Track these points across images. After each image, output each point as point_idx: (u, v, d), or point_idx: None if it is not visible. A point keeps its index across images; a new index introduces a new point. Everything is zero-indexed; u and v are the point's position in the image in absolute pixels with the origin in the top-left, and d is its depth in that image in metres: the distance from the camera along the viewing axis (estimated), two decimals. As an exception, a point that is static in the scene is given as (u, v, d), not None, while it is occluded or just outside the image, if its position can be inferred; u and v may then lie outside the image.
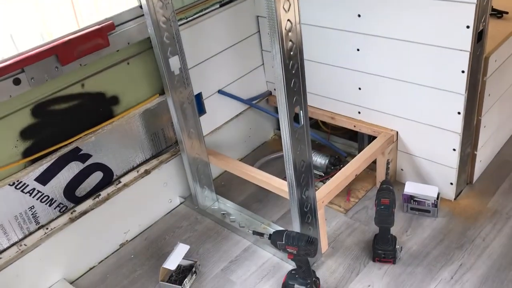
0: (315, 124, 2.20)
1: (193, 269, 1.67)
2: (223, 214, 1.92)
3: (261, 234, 1.58)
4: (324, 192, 1.64)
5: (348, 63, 1.82)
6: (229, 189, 2.07)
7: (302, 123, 1.35)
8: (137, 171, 1.83)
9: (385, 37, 1.66)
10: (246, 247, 1.79)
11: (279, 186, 1.69)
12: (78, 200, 1.71)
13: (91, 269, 1.78)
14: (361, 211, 1.86)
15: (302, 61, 1.27)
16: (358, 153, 1.89)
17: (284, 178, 1.57)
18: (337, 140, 2.22)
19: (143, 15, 1.59)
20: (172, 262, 1.62)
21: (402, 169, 1.92)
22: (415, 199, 1.74)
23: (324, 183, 1.87)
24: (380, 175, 1.92)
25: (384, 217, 1.54)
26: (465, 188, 1.87)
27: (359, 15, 1.69)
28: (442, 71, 1.59)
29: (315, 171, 2.04)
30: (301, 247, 1.41)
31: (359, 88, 1.85)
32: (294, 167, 1.41)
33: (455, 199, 1.83)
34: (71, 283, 1.72)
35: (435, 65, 1.59)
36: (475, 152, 1.81)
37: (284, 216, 1.89)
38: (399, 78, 1.71)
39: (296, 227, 1.57)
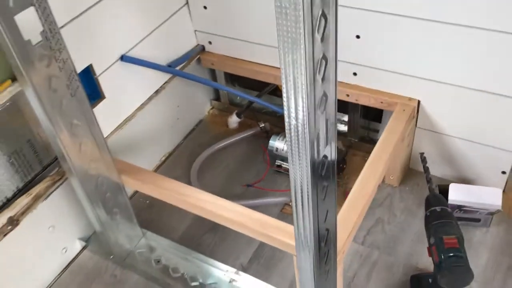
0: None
1: None
2: (158, 261, 1.18)
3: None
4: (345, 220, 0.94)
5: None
6: (161, 212, 1.31)
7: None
8: (-6, 224, 1.01)
9: None
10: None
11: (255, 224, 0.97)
12: None
13: None
14: (375, 229, 1.22)
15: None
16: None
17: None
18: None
19: None
20: None
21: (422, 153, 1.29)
22: (464, 208, 1.12)
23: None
24: (394, 169, 1.26)
25: (460, 274, 0.88)
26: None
27: None
28: None
29: (281, 162, 1.35)
30: None
31: (357, 36, 1.13)
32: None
33: (504, 191, 1.23)
34: None
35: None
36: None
37: (258, 255, 1.20)
38: (429, 18, 1.02)
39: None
